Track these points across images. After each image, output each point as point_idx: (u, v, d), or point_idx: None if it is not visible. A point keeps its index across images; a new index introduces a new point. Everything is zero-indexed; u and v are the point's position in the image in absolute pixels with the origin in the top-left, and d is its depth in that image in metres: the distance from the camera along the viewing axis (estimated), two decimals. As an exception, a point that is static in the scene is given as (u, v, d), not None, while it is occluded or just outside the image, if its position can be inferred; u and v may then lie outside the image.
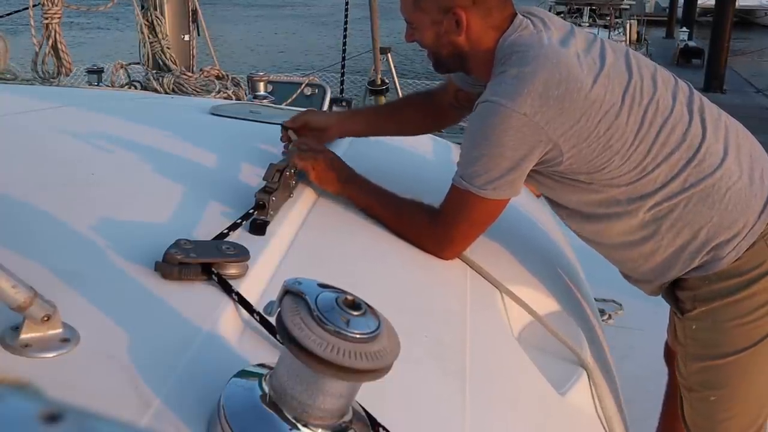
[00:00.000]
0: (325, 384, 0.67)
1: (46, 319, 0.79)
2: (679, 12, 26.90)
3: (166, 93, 3.61)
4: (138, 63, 3.98)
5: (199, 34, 4.04)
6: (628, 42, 17.84)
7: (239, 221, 1.18)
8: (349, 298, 0.69)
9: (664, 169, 1.41)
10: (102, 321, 0.86)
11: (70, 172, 1.37)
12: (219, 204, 1.27)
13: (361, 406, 0.76)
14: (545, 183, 1.49)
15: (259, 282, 1.02)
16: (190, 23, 3.94)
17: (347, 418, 0.71)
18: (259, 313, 0.91)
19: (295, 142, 1.60)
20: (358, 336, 0.66)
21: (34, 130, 1.64)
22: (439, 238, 1.41)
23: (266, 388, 0.71)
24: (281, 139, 1.66)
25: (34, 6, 3.40)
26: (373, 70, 5.59)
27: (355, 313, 0.68)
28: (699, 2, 25.19)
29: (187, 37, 3.95)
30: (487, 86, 1.41)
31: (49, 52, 3.42)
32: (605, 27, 19.89)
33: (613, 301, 3.07)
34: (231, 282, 0.97)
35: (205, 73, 3.81)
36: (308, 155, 1.47)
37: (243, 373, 0.75)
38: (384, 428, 0.76)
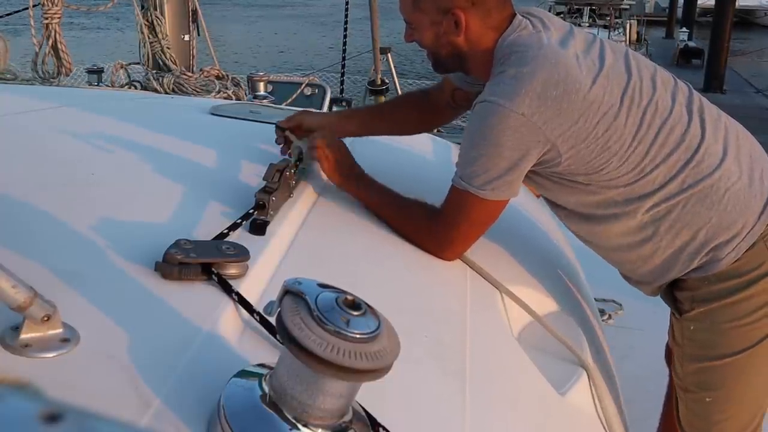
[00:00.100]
0: (325, 384, 0.67)
1: (46, 319, 0.79)
2: (679, 12, 26.91)
3: (166, 93, 3.61)
4: (138, 63, 3.98)
5: (199, 34, 4.05)
6: (627, 42, 17.85)
7: (239, 221, 1.19)
8: (349, 298, 0.69)
9: (662, 170, 1.41)
10: (102, 321, 0.86)
11: (70, 172, 1.37)
12: (219, 204, 1.27)
13: (361, 406, 0.76)
14: (544, 184, 1.49)
15: (259, 282, 1.02)
16: (190, 23, 3.95)
17: (347, 418, 0.71)
18: (259, 313, 0.91)
19: (316, 134, 1.60)
20: (358, 336, 0.66)
21: (34, 130, 1.64)
22: (440, 239, 1.41)
23: (266, 388, 0.71)
24: (276, 141, 1.66)
25: (34, 6, 3.41)
26: (373, 70, 5.59)
27: (355, 313, 0.68)
28: (699, 2, 25.19)
29: (187, 37, 3.95)
30: (486, 86, 1.41)
31: (49, 52, 3.43)
32: (605, 27, 19.90)
33: (613, 301, 3.06)
34: (231, 282, 0.97)
35: (205, 73, 3.81)
36: (322, 146, 1.52)
37: (243, 373, 0.75)
38: (384, 428, 0.76)
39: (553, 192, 1.50)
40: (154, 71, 3.75)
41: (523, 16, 1.48)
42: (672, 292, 1.53)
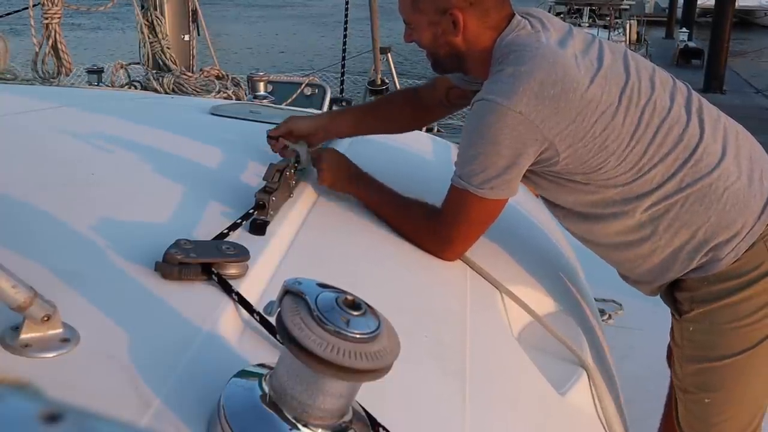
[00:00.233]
0: (325, 384, 0.67)
1: (46, 319, 0.79)
2: (679, 12, 26.90)
3: (166, 93, 3.61)
4: (138, 63, 3.99)
5: (199, 34, 4.05)
6: (627, 42, 17.87)
7: (239, 221, 1.19)
8: (349, 298, 0.69)
9: (660, 170, 1.41)
10: (102, 321, 0.86)
11: (70, 172, 1.37)
12: (219, 204, 1.27)
13: (361, 406, 0.76)
14: (542, 183, 1.50)
15: (259, 282, 1.02)
16: (190, 23, 3.95)
17: (347, 418, 0.71)
18: (259, 313, 0.91)
19: (322, 157, 1.57)
20: (358, 336, 0.66)
21: (34, 130, 1.64)
22: (440, 239, 1.41)
23: (266, 388, 0.71)
24: (272, 150, 1.64)
25: (34, 6, 3.41)
26: (373, 70, 5.59)
27: (355, 313, 0.68)
28: (699, 2, 25.18)
29: (187, 37, 3.95)
30: (484, 84, 1.41)
31: (49, 52, 3.43)
32: (605, 27, 19.93)
33: (613, 301, 3.06)
34: (231, 282, 0.97)
35: (205, 73, 3.81)
36: (327, 168, 1.51)
37: (243, 373, 0.75)
38: (384, 428, 0.76)
39: (552, 191, 1.51)
40: (154, 71, 3.76)
41: (522, 16, 1.48)
42: (672, 292, 1.53)
